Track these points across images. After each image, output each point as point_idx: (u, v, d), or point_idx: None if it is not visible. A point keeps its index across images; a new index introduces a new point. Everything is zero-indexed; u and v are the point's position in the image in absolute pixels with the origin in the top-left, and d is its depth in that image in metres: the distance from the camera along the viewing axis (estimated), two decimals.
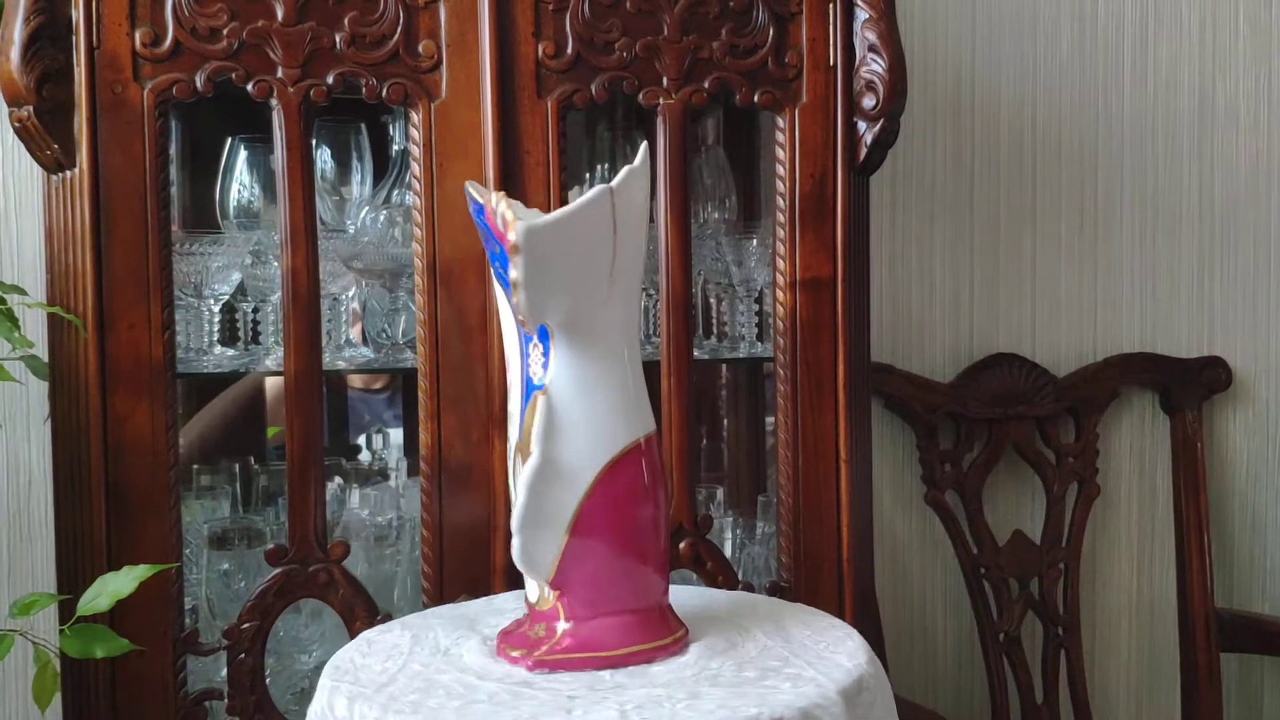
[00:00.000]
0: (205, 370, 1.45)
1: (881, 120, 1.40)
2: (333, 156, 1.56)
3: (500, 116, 1.33)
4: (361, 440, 1.86)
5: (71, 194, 1.25)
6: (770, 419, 1.76)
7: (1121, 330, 2.05)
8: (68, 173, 1.26)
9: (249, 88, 1.28)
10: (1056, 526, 1.96)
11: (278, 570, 1.32)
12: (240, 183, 1.51)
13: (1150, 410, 2.07)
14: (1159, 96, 2.05)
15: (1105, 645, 2.07)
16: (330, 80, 1.30)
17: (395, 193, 1.58)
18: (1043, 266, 2.02)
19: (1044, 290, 2.02)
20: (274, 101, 1.29)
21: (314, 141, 1.41)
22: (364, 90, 1.31)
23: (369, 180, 1.57)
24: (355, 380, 1.87)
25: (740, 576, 1.48)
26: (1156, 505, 2.08)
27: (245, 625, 1.31)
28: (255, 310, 1.52)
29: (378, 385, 1.88)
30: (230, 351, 1.49)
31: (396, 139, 1.61)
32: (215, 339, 1.48)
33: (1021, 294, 2.01)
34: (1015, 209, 2.01)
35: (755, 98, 1.40)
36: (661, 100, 1.38)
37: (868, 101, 1.40)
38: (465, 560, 1.35)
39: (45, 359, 1.31)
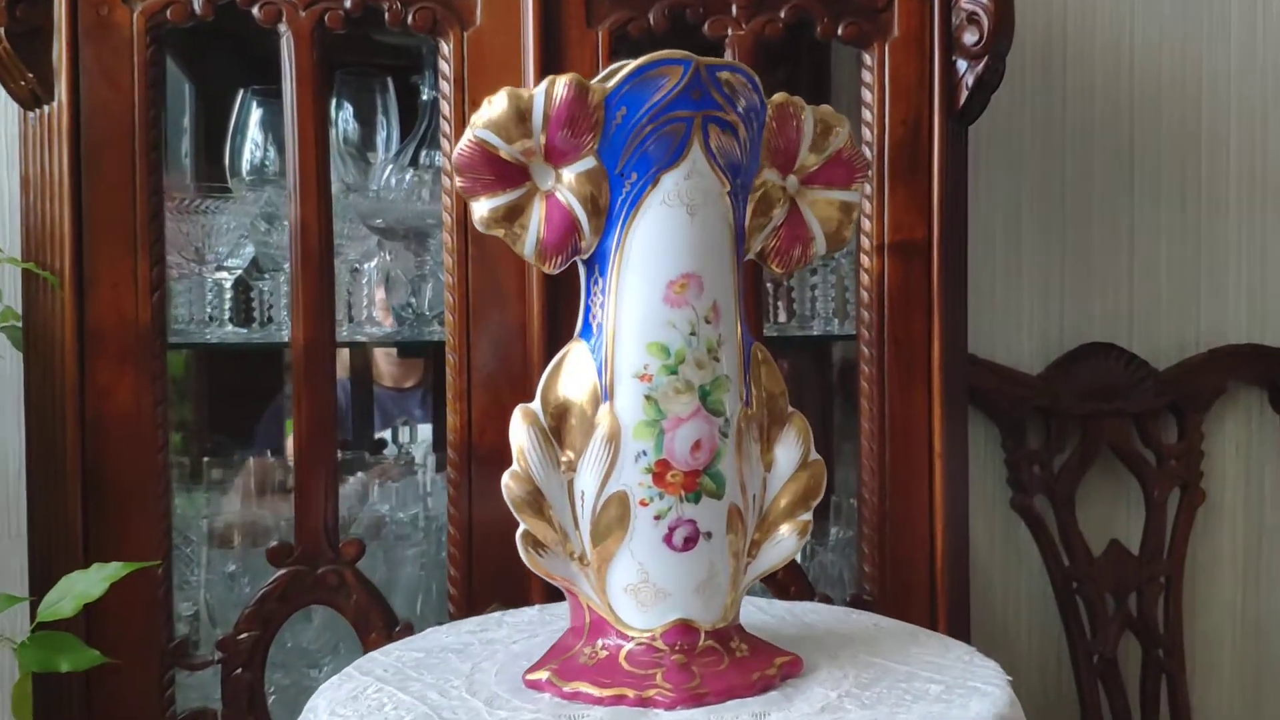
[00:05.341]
0: (207, 341, 1.30)
1: (985, 59, 1.25)
2: (355, 115, 1.44)
3: (543, 47, 1.19)
4: (386, 434, 1.73)
5: (49, 132, 1.12)
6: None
7: (1227, 319, 1.92)
8: (45, 108, 1.13)
9: (255, 11, 1.16)
10: (1157, 536, 1.82)
11: (281, 572, 1.17)
12: (253, 140, 1.39)
13: (1258, 408, 1.94)
14: (1269, 68, 1.92)
15: (1208, 668, 1.94)
16: (348, 4, 1.14)
17: (423, 152, 1.46)
18: (1141, 249, 1.90)
19: (1143, 275, 1.90)
20: (283, 28, 1.15)
21: (336, 99, 1.30)
22: (387, 16, 1.17)
23: (395, 140, 1.45)
24: (384, 378, 1.76)
25: (814, 587, 1.30)
26: (1264, 513, 1.94)
27: (243, 635, 1.16)
28: (267, 283, 1.37)
29: (409, 384, 1.77)
30: (236, 328, 1.35)
31: (425, 92, 1.46)
32: (228, 316, 1.36)
33: (1118, 278, 1.89)
34: (1111, 186, 1.88)
35: (839, 30, 1.24)
36: (730, 31, 1.22)
37: (969, 37, 1.23)
38: (498, 563, 1.17)
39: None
